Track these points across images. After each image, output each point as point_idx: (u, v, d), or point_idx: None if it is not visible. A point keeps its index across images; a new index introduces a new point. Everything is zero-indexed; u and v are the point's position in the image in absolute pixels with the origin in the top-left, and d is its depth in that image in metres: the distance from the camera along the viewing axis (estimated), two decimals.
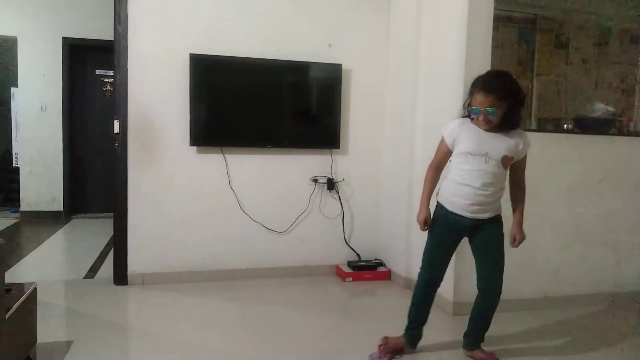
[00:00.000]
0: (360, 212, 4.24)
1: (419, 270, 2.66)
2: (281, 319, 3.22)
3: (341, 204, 4.17)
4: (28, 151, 6.18)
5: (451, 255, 2.61)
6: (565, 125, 3.57)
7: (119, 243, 3.77)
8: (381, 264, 4.16)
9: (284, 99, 4.03)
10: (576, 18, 3.53)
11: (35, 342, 2.49)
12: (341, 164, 4.15)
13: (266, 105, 3.95)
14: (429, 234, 2.59)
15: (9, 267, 4.05)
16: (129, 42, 3.65)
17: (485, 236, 2.51)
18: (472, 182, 2.39)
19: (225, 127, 3.85)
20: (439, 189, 2.57)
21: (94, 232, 5.58)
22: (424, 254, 2.63)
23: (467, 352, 2.70)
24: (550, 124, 3.66)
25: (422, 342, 2.81)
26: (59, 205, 6.29)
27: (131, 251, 3.76)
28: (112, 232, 3.93)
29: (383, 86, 4.17)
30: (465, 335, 2.72)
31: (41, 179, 6.22)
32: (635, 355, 2.86)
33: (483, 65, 3.18)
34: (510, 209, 2.56)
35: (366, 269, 4.07)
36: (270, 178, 4.02)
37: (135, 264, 3.77)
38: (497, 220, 2.51)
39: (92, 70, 6.42)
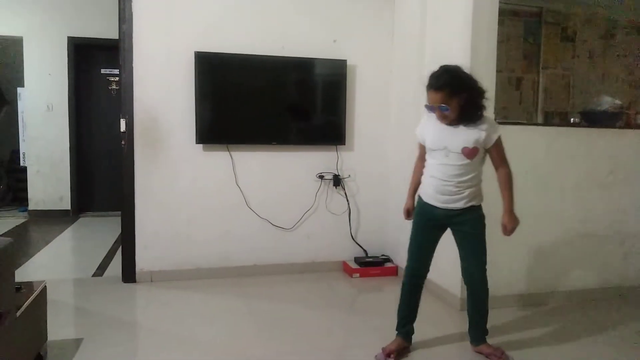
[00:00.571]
0: (366, 208, 4.24)
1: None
2: (288, 315, 3.23)
3: (347, 200, 4.17)
4: (35, 151, 6.21)
5: (434, 245, 2.63)
6: (572, 119, 3.56)
7: (126, 241, 3.79)
8: (388, 259, 4.16)
9: (289, 95, 4.03)
10: (582, 11, 3.50)
11: (46, 339, 2.52)
12: (347, 160, 4.15)
13: (271, 102, 3.96)
14: (412, 226, 2.65)
15: (19, 266, 4.08)
16: (134, 41, 3.66)
17: (463, 230, 2.56)
18: (437, 174, 2.48)
19: (230, 125, 3.86)
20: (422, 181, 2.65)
21: (101, 230, 5.61)
22: (409, 246, 2.67)
23: (474, 348, 2.71)
24: (557, 118, 3.65)
25: (431, 337, 2.83)
26: (66, 204, 6.33)
27: (139, 249, 3.78)
28: (119, 230, 3.95)
29: (388, 81, 4.17)
30: (469, 330, 2.74)
31: (48, 178, 6.26)
32: None
33: (488, 59, 3.17)
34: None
35: (373, 265, 4.07)
36: (277, 175, 4.02)
37: (143, 261, 3.79)
38: (473, 211, 2.52)
39: (98, 69, 6.44)
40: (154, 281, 3.79)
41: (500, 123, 3.20)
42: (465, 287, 3.24)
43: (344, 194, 4.17)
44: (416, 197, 2.68)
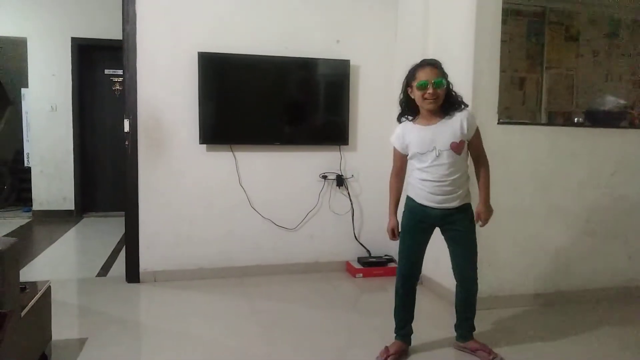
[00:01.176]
0: (369, 208, 4.23)
1: (396, 266, 2.67)
2: (291, 315, 3.23)
3: (350, 200, 4.17)
4: (39, 151, 6.23)
5: (425, 247, 2.62)
6: (575, 119, 3.55)
7: (130, 241, 3.80)
8: (391, 260, 4.16)
9: (292, 95, 4.03)
10: (586, 10, 3.49)
11: (50, 339, 2.53)
12: (350, 160, 4.15)
13: (275, 102, 3.96)
14: (401, 230, 2.62)
15: (23, 266, 4.09)
16: (137, 42, 3.67)
17: (455, 230, 2.54)
18: (430, 177, 2.45)
19: (234, 125, 3.87)
20: (407, 185, 2.61)
21: (105, 230, 5.63)
22: (400, 250, 2.64)
23: (460, 344, 2.71)
24: (560, 118, 3.64)
25: (430, 337, 2.83)
26: (70, 205, 6.34)
27: (143, 249, 3.79)
28: (123, 231, 3.96)
29: (391, 82, 4.16)
30: (456, 327, 2.73)
31: (52, 178, 6.28)
32: None
33: (492, 59, 3.17)
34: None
35: (376, 265, 4.07)
36: (280, 175, 4.03)
37: (146, 261, 3.80)
38: (465, 210, 2.53)
39: (101, 69, 6.45)
40: (157, 281, 3.80)
41: (503, 123, 3.22)
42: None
43: (347, 194, 4.17)
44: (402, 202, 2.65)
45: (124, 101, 3.74)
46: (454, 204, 2.48)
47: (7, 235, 5.28)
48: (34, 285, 2.45)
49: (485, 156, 2.56)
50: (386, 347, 2.60)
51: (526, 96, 3.74)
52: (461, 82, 3.24)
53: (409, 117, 2.55)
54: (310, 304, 3.46)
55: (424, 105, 2.41)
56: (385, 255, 4.19)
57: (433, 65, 2.40)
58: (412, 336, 2.67)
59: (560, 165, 3.40)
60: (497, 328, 3.01)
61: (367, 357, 2.62)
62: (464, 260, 2.58)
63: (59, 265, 4.44)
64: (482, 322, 2.96)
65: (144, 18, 3.67)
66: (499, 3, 3.15)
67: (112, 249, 4.75)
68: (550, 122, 3.49)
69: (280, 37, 3.92)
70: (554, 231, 3.43)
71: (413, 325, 2.67)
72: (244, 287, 3.74)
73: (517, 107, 3.81)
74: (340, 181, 4.11)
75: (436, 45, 3.59)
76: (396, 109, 3.80)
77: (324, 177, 4.10)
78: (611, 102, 3.59)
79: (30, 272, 4.04)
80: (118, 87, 6.32)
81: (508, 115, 3.55)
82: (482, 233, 3.14)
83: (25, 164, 6.33)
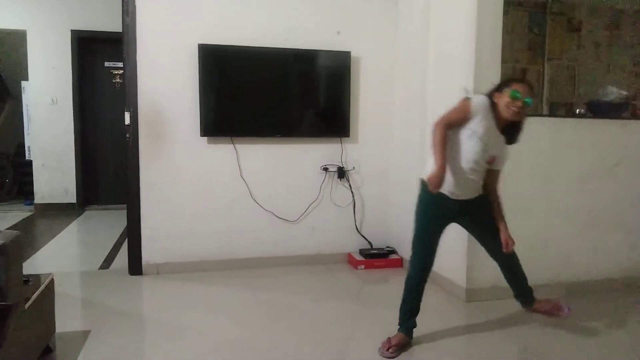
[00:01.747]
0: (371, 200, 4.24)
1: (410, 256, 2.68)
2: (294, 307, 3.24)
3: (352, 193, 4.18)
4: (40, 144, 6.24)
5: (440, 239, 2.63)
6: (577, 110, 3.53)
7: (132, 234, 3.81)
8: (393, 251, 4.17)
9: (293, 87, 4.02)
10: (588, 1, 3.47)
11: (54, 331, 2.54)
12: (351, 152, 4.14)
13: (275, 94, 3.96)
14: (416, 219, 2.63)
15: (26, 259, 4.11)
16: (137, 34, 3.66)
17: (479, 216, 2.64)
18: (465, 163, 2.46)
19: (235, 117, 3.86)
20: (425, 166, 2.56)
21: (107, 223, 5.64)
22: (415, 240, 2.65)
23: (530, 309, 2.81)
24: (562, 109, 3.62)
25: (437, 329, 2.84)
26: (72, 198, 6.36)
27: (145, 241, 3.80)
28: (125, 223, 3.97)
29: (392, 73, 4.16)
30: (517, 296, 2.82)
31: (54, 171, 6.28)
32: None
33: (493, 50, 3.16)
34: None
35: (378, 257, 4.08)
36: (281, 167, 4.03)
37: (149, 254, 3.81)
38: (483, 198, 2.61)
39: (102, 62, 6.44)
40: (160, 273, 3.82)
41: None
42: (470, 279, 3.27)
43: (348, 186, 4.17)
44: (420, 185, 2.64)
45: (125, 94, 3.73)
46: (473, 196, 2.58)
47: (9, 228, 5.30)
48: (37, 278, 2.46)
49: (498, 194, 2.65)
50: (389, 339, 2.61)
51: None
52: (462, 74, 3.25)
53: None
54: (312, 295, 3.47)
55: (505, 113, 2.42)
56: (387, 247, 4.20)
57: (530, 86, 2.46)
58: (416, 327, 2.68)
59: (562, 156, 3.40)
60: (498, 321, 3.03)
61: (368, 347, 2.63)
62: (495, 241, 2.65)
63: (62, 258, 4.45)
64: (484, 313, 2.97)
65: (144, 10, 3.65)
66: None
67: (114, 242, 4.76)
68: (552, 114, 3.47)
69: (280, 29, 3.90)
70: (556, 222, 3.43)
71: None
72: (246, 279, 3.76)
73: None
74: (342, 173, 4.11)
75: (437, 37, 3.58)
76: (397, 100, 3.78)
77: (325, 169, 4.10)
78: (613, 93, 3.57)
79: (33, 265, 4.05)
80: (118, 80, 6.32)
81: None
82: None
83: (27, 157, 6.34)
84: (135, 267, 3.80)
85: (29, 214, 6.18)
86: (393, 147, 4.20)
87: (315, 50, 3.94)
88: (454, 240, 3.37)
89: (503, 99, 2.41)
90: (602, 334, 2.89)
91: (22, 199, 6.76)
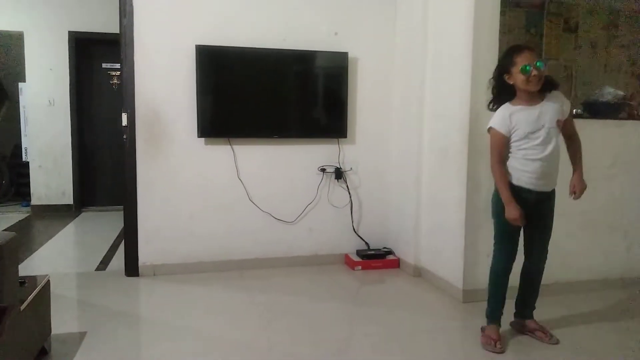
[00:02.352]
0: (368, 201, 4.24)
1: (491, 261, 2.70)
2: (292, 307, 3.24)
3: (349, 193, 4.17)
4: (37, 145, 6.22)
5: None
6: (574, 110, 3.54)
7: (129, 235, 3.80)
8: (390, 252, 4.17)
9: (290, 88, 4.02)
10: (585, 1, 3.49)
11: (50, 333, 2.53)
12: (349, 153, 4.14)
13: (273, 95, 3.95)
14: (497, 221, 2.64)
15: (22, 260, 4.09)
16: (134, 35, 3.65)
17: (540, 215, 2.64)
18: (538, 155, 2.49)
19: (232, 118, 3.86)
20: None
21: (104, 224, 5.63)
22: (498, 242, 2.67)
23: (520, 322, 2.80)
24: None
25: (434, 329, 2.83)
26: (69, 199, 6.34)
27: (142, 243, 3.79)
28: (122, 225, 3.96)
29: (390, 73, 4.15)
30: (518, 304, 2.81)
31: (51, 173, 6.27)
32: None
33: (490, 50, 3.15)
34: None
35: (375, 258, 4.07)
36: (279, 168, 4.02)
37: (146, 255, 3.80)
38: (553, 197, 2.66)
39: (99, 63, 6.43)
40: (156, 275, 3.80)
41: None
42: (467, 280, 3.27)
43: (345, 187, 4.17)
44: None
45: (122, 95, 3.73)
46: (550, 187, 2.59)
47: (5, 229, 5.28)
48: (33, 279, 2.45)
49: (577, 133, 2.64)
50: (487, 335, 2.63)
51: None
52: (460, 74, 3.25)
53: (506, 99, 2.54)
54: (310, 296, 3.47)
55: (529, 88, 2.43)
56: (384, 248, 4.20)
57: (530, 48, 2.45)
58: (414, 327, 2.68)
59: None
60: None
61: (367, 347, 2.63)
62: (540, 243, 2.69)
63: (58, 259, 4.44)
64: (480, 314, 2.96)
65: (141, 11, 3.65)
66: None
67: (111, 243, 4.75)
68: None
69: (278, 30, 3.90)
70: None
71: (412, 316, 2.69)
72: (244, 280, 3.75)
73: None
74: (339, 174, 4.11)
75: (435, 38, 3.58)
76: (395, 101, 3.77)
77: (323, 170, 4.09)
78: (610, 93, 3.58)
79: (30, 267, 4.03)
80: (116, 81, 6.31)
81: None
82: (482, 225, 3.15)
83: (24, 159, 6.32)
84: (132, 268, 3.79)
85: (26, 215, 6.17)
86: (391, 147, 4.20)
87: (313, 51, 3.93)
88: (451, 239, 3.37)
89: (518, 79, 2.43)
90: (595, 334, 2.88)
91: (19, 201, 6.75)
